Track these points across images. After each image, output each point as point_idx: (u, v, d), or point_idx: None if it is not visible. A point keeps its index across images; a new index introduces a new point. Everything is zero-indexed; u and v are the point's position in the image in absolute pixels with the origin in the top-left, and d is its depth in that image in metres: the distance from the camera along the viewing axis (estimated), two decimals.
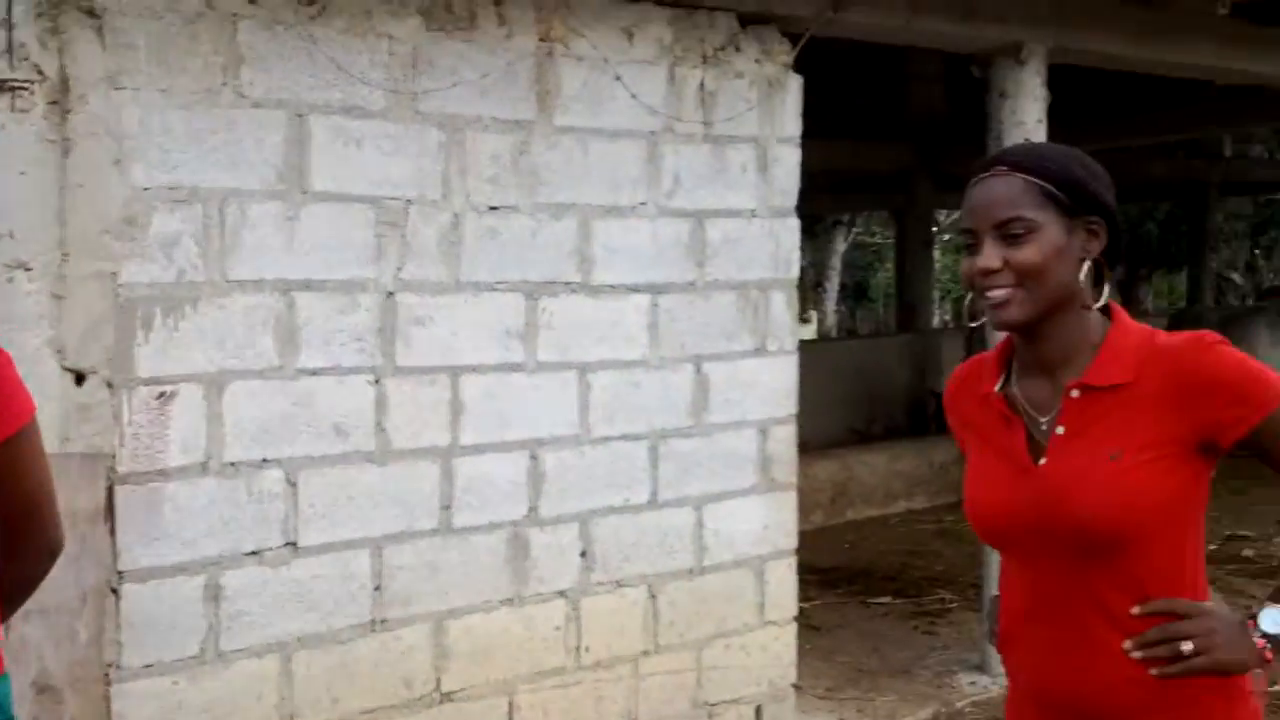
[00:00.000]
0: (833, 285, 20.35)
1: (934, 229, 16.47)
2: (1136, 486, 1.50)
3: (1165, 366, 1.51)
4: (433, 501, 3.29)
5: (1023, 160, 1.58)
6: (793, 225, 3.96)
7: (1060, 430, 1.56)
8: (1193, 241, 12.96)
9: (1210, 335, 1.53)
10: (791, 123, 3.91)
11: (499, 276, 3.37)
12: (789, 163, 3.92)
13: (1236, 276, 18.08)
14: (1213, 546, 6.60)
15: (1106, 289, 1.59)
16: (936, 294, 21.31)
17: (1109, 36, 4.70)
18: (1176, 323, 9.07)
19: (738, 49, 3.75)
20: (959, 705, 4.42)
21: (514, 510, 3.43)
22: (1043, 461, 1.56)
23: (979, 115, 4.70)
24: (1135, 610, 1.51)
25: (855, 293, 25.06)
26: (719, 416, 3.84)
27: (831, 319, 20.63)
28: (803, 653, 4.41)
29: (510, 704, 3.44)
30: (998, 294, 1.55)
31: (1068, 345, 1.58)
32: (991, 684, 4.56)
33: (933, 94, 9.77)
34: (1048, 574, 1.56)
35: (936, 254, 20.96)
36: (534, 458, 3.46)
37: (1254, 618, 1.50)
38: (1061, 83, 4.87)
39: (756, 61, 3.80)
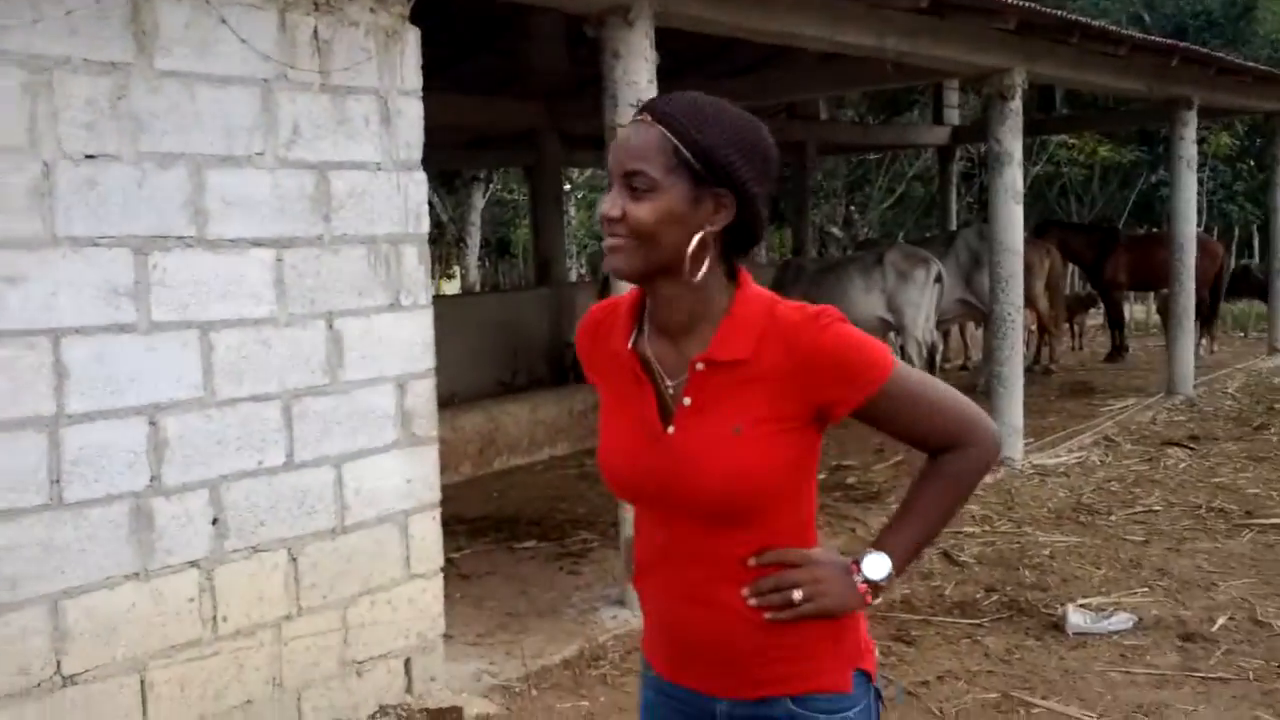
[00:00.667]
0: (474, 241, 20.31)
1: (566, 186, 16.85)
2: (757, 460, 1.55)
3: (784, 344, 1.55)
4: (40, 475, 3.05)
5: (670, 114, 1.54)
6: (420, 179, 3.96)
7: (687, 401, 1.59)
8: (796, 198, 14.16)
9: (828, 313, 1.57)
10: (412, 75, 3.89)
11: (101, 231, 3.14)
12: (412, 115, 3.91)
13: (836, 230, 19.92)
14: (822, 476, 7.15)
15: (706, 263, 1.56)
16: (574, 249, 21.95)
17: (706, 2, 4.98)
18: (782, 271, 9.87)
19: None
20: (602, 640, 4.61)
21: (135, 480, 3.24)
22: (671, 430, 1.59)
23: (600, 75, 4.81)
24: (751, 562, 1.59)
25: (498, 248, 25.24)
26: (355, 373, 3.80)
27: (475, 274, 20.63)
28: (452, 602, 4.48)
29: (143, 681, 3.27)
30: (611, 241, 1.56)
31: (689, 313, 1.59)
32: (632, 618, 4.75)
33: (556, 54, 10.00)
34: (675, 531, 1.62)
35: (571, 210, 21.56)
36: (154, 424, 3.28)
37: (858, 563, 1.61)
38: (677, 46, 5.12)
39: (371, 11, 3.74)
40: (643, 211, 1.53)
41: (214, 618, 3.44)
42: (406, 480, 3.97)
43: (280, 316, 3.58)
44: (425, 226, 4.01)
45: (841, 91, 13.27)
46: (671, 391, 1.61)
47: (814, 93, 11.18)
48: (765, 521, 1.59)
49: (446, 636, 4.17)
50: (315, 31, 3.60)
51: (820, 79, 9.20)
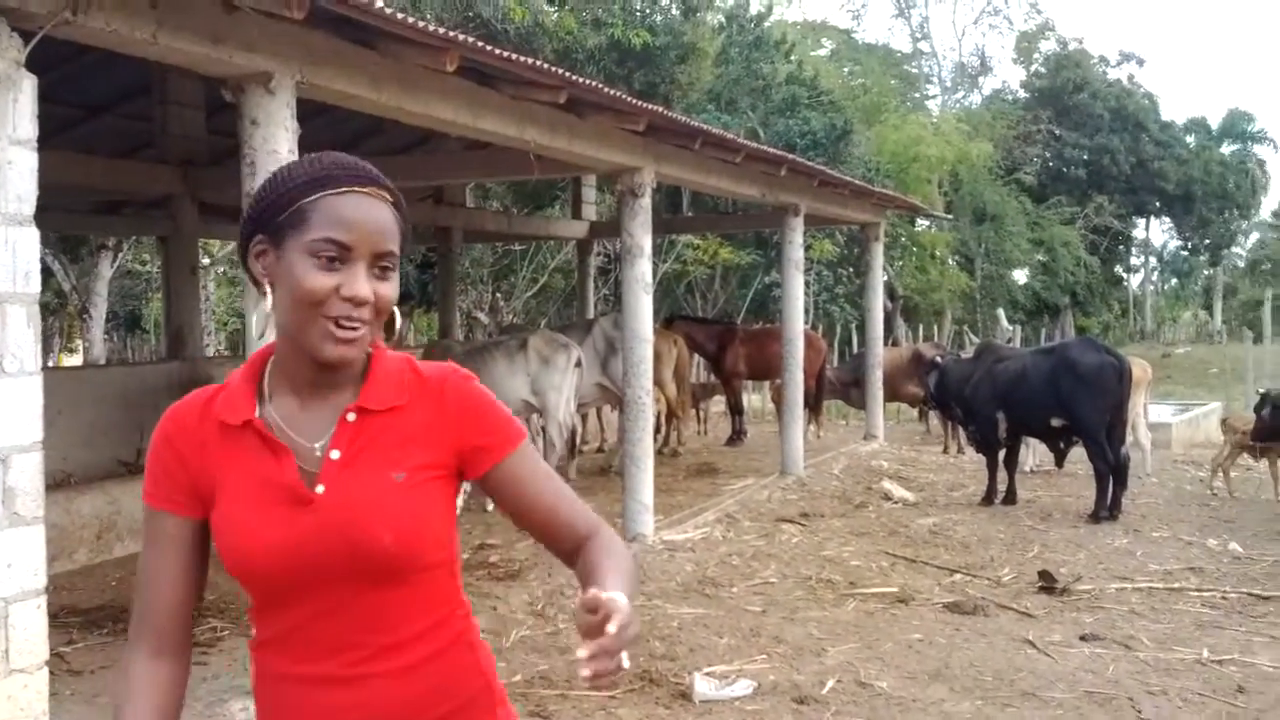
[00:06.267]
0: (100, 313, 18.73)
1: (206, 260, 15.99)
2: (423, 505, 1.51)
3: (431, 395, 1.55)
4: None
5: (393, 190, 1.54)
6: (31, 235, 3.69)
7: (335, 455, 1.51)
8: (444, 282, 14.29)
9: (462, 370, 1.61)
10: (26, 124, 3.63)
11: None
12: (24, 167, 3.64)
13: (482, 316, 20.28)
14: (466, 555, 7.30)
15: (399, 324, 1.59)
16: (213, 325, 20.79)
17: (351, 79, 5.02)
18: (429, 352, 9.86)
19: None
20: None
21: None
22: (320, 489, 1.50)
23: (239, 143, 4.70)
24: (579, 601, 1.39)
25: (128, 323, 23.49)
26: None
27: (100, 349, 18.98)
28: (61, 699, 4.10)
29: None
30: (351, 332, 1.48)
31: (348, 372, 1.55)
32: None
33: (194, 119, 9.63)
34: (324, 608, 1.50)
35: (210, 286, 20.47)
36: None
37: None
38: (333, 118, 5.03)
39: None
40: (390, 290, 1.51)
41: None
42: (7, 565, 3.62)
43: None
44: (36, 287, 3.73)
45: (488, 179, 13.62)
46: (316, 453, 1.52)
47: (463, 178, 11.40)
48: (427, 577, 1.54)
49: None
50: None
51: (469, 165, 9.41)
